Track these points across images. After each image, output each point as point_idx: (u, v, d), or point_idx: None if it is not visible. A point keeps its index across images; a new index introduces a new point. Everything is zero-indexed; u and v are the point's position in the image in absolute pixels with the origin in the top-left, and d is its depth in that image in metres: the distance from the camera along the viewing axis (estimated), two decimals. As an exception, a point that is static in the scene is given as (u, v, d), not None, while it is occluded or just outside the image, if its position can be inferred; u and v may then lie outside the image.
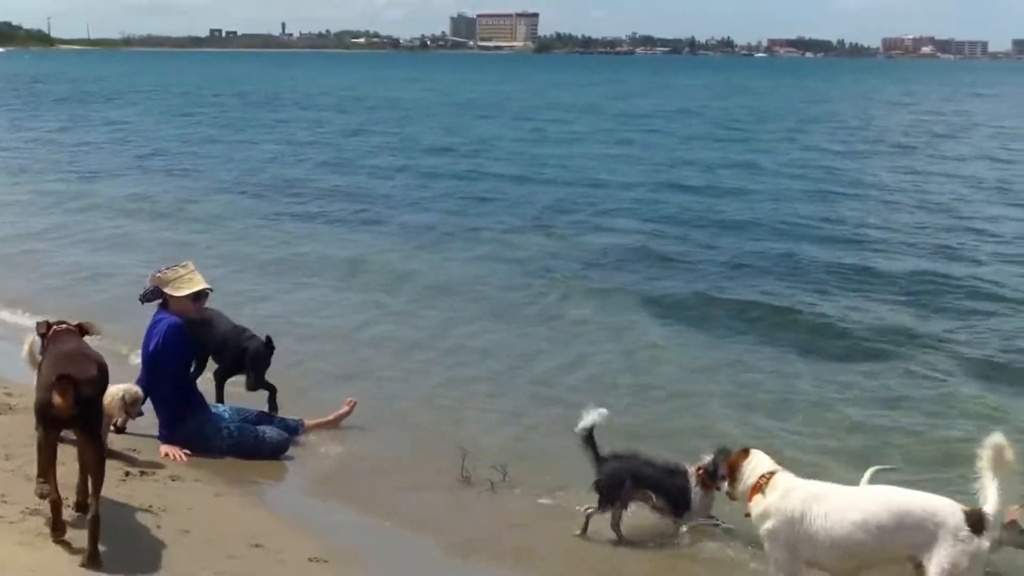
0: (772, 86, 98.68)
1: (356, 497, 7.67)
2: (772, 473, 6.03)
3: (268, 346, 8.72)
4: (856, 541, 5.64)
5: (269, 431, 8.35)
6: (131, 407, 7.54)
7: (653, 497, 7.11)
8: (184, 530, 6.44)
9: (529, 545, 7.02)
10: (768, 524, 5.89)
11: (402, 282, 14.83)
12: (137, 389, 7.62)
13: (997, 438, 5.51)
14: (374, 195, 23.72)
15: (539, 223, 20.16)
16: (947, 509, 5.55)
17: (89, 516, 5.76)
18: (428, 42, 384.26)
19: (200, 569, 5.96)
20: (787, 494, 5.88)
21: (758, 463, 6.13)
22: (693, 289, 14.60)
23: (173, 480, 7.44)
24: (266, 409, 8.74)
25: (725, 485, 6.35)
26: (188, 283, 8.18)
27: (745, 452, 6.26)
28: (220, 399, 8.90)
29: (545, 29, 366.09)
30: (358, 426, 8.94)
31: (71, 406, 5.57)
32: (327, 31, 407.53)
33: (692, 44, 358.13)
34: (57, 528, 5.82)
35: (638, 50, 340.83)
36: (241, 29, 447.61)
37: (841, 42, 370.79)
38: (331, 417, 8.91)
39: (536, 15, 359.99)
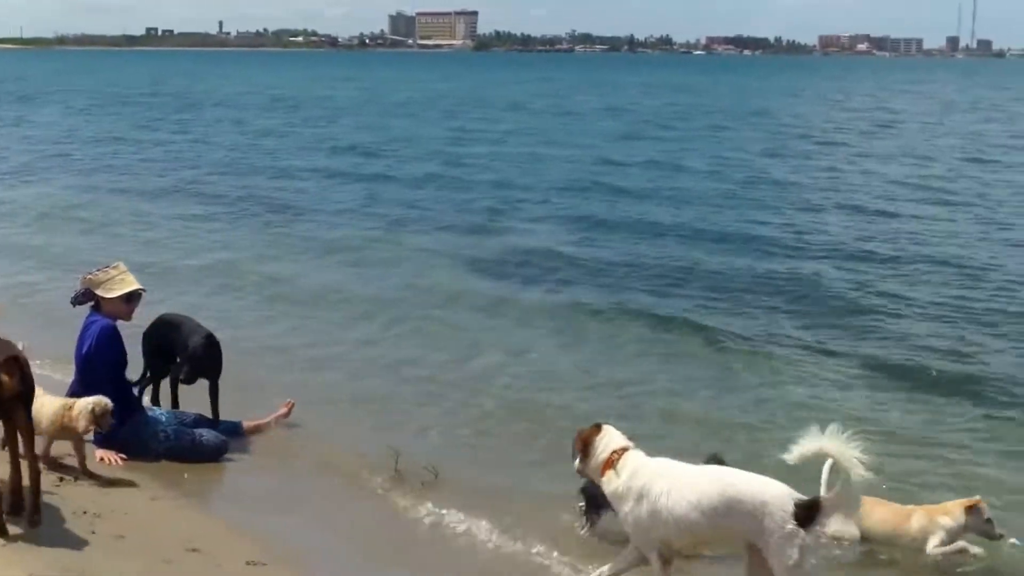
0: (705, 83, 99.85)
1: (294, 500, 7.64)
2: (624, 449, 6.04)
3: (209, 342, 8.57)
4: (692, 521, 5.69)
5: (206, 434, 8.27)
6: (101, 419, 7.37)
7: None
8: (119, 535, 6.38)
9: (456, 548, 7.03)
10: (624, 508, 5.94)
11: (287, 287, 14.55)
12: (107, 401, 7.45)
13: (832, 428, 5.54)
14: (279, 197, 23.29)
15: (449, 224, 20.04)
16: (777, 500, 5.50)
17: (29, 476, 6.14)
18: (367, 41, 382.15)
19: (135, 575, 5.91)
20: (635, 473, 5.91)
21: (610, 439, 6.11)
22: (595, 295, 14.30)
23: (108, 484, 7.36)
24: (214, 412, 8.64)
25: (576, 462, 6.24)
26: (120, 284, 8.07)
27: (597, 428, 6.22)
28: (156, 401, 8.84)
29: (484, 27, 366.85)
30: (297, 427, 8.91)
31: (18, 384, 5.99)
32: (265, 30, 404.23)
33: (631, 42, 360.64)
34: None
35: (577, 48, 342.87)
36: (178, 28, 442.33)
37: (779, 39, 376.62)
38: (269, 419, 8.86)
39: (475, 13, 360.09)
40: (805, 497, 5.58)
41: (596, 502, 6.82)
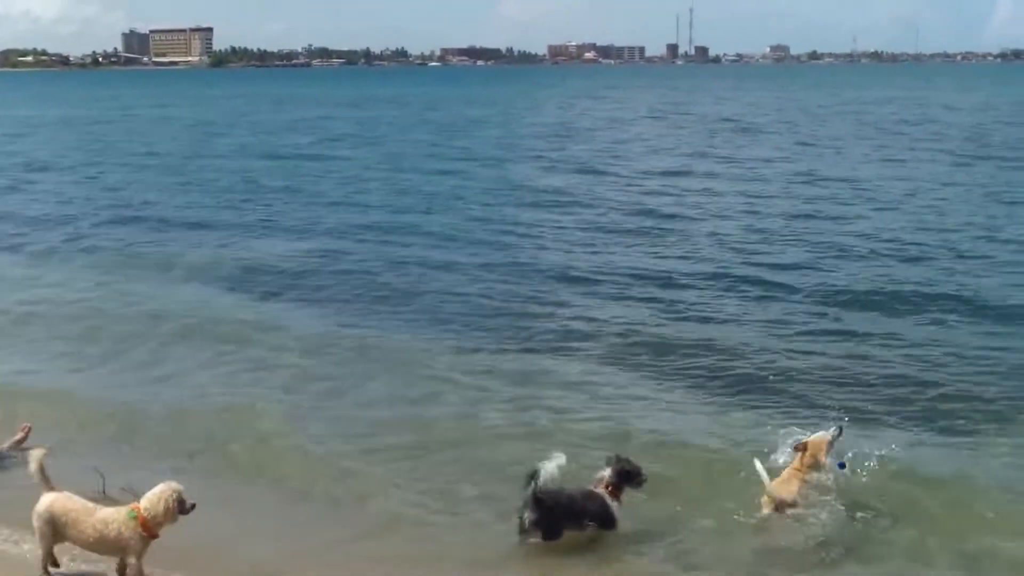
0: (407, 95, 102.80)
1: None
2: None
3: None
4: None
5: None
6: None
7: (588, 526, 7.90)
8: None
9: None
10: None
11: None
12: None
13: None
14: None
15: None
16: None
17: None
18: (100, 59, 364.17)
19: None
20: None
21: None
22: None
23: None
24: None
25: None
26: None
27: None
28: None
29: (220, 43, 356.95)
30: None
31: None
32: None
33: (368, 55, 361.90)
34: None
35: (315, 62, 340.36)
36: None
37: (510, 50, 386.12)
38: (4, 445, 9.30)
39: (210, 29, 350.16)
40: None
41: (550, 535, 7.75)
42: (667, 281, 17.10)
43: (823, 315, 14.81)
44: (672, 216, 23.77)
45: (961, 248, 19.22)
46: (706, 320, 14.71)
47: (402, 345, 13.48)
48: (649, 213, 24.11)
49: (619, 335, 13.85)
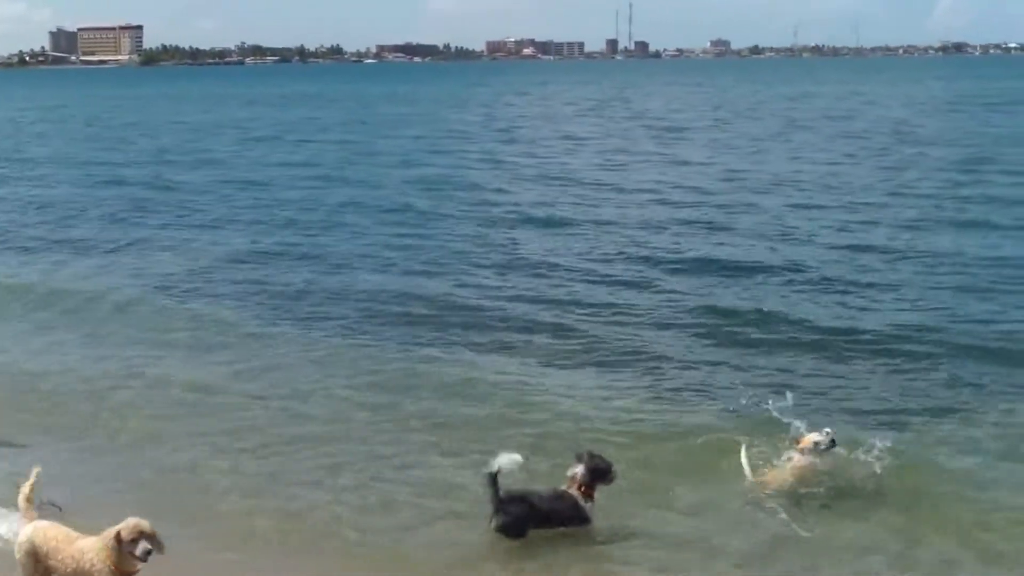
0: (332, 92, 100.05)
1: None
2: None
3: None
4: None
5: None
6: None
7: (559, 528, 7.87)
8: None
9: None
10: None
11: None
12: None
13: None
14: None
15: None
16: None
17: None
18: (27, 58, 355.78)
19: None
20: None
21: None
22: None
23: None
24: None
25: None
26: None
27: None
28: None
29: (151, 41, 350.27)
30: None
31: None
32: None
33: (302, 52, 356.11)
34: None
35: (248, 60, 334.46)
36: None
37: (447, 46, 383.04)
38: None
39: (140, 27, 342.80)
40: None
41: (516, 536, 7.72)
42: (577, 276, 17.07)
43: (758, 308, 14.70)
44: (573, 212, 23.63)
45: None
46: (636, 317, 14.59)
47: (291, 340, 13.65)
48: (544, 208, 24.01)
49: (521, 328, 13.95)
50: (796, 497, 8.53)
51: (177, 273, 17.94)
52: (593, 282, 16.67)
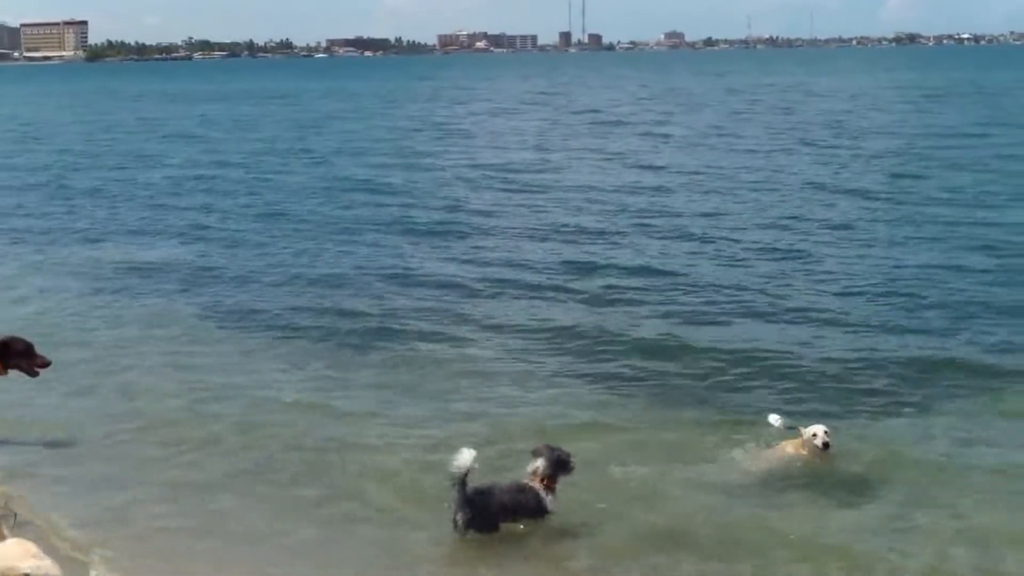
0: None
1: None
2: None
3: None
4: None
5: None
6: None
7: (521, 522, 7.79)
8: None
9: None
10: None
11: None
12: None
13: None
14: None
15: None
16: None
17: None
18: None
19: None
20: None
21: None
22: None
23: None
24: None
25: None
26: None
27: None
28: None
29: (96, 37, 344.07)
30: None
31: None
32: None
33: (251, 47, 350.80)
34: None
35: (196, 55, 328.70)
36: None
37: (399, 40, 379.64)
38: None
39: (85, 23, 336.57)
40: None
41: (487, 532, 7.65)
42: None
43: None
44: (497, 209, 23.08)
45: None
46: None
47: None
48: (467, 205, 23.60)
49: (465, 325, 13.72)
50: (779, 488, 8.55)
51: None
52: (509, 280, 16.25)
